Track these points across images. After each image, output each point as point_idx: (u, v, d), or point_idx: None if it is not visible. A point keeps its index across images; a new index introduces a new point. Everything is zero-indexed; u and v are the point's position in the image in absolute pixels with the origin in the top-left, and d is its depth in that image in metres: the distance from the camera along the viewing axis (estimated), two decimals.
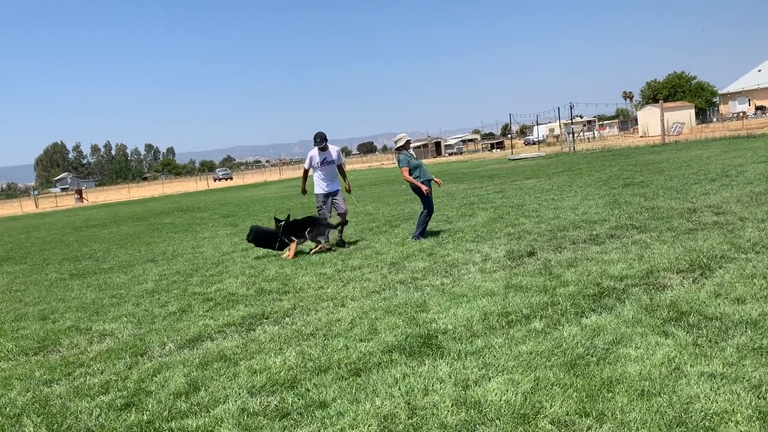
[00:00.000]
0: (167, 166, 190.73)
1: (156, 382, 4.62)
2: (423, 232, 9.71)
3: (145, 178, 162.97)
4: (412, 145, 10.18)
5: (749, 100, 76.85)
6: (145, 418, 3.96)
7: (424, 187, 9.51)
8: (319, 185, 9.98)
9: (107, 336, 6.12)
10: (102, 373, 4.98)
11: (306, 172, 10.33)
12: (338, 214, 10.02)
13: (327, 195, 9.98)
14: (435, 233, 9.91)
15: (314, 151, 9.95)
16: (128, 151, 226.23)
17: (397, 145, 9.68)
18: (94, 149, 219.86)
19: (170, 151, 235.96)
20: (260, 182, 59.97)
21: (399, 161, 9.66)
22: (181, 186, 76.32)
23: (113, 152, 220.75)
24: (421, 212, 9.73)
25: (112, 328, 6.38)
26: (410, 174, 9.55)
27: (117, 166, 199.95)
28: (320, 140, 9.84)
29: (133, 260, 11.52)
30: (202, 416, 3.88)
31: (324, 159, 9.89)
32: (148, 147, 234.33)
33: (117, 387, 4.60)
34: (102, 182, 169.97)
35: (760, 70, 79.80)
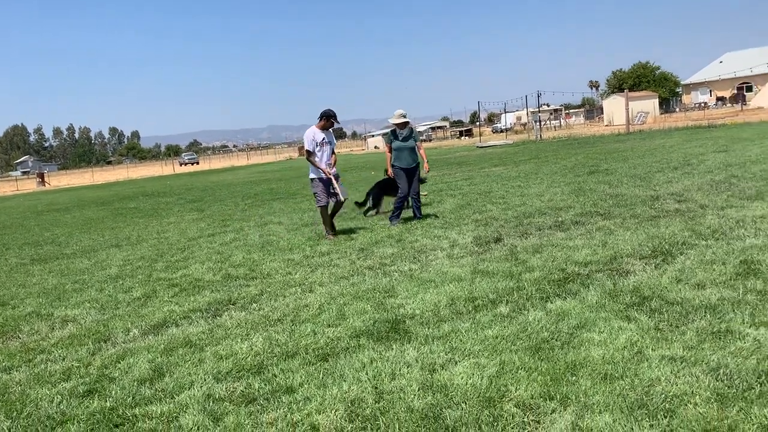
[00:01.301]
0: (132, 150, 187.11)
1: (119, 368, 4.55)
2: (398, 215, 9.72)
3: (109, 162, 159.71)
4: (412, 129, 9.99)
5: (711, 90, 78.41)
6: (108, 404, 3.90)
7: (389, 171, 9.76)
8: (317, 169, 8.96)
9: (69, 322, 6.00)
10: (64, 359, 4.89)
11: (311, 153, 8.96)
12: (338, 202, 9.14)
13: (328, 180, 9.03)
14: (404, 220, 9.92)
15: (314, 130, 8.95)
16: (92, 134, 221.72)
17: (390, 121, 9.76)
18: (57, 132, 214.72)
19: (135, 134, 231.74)
20: (227, 167, 59.30)
21: (386, 137, 9.83)
22: (147, 170, 75.08)
23: (76, 135, 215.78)
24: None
25: (74, 314, 6.26)
26: (391, 153, 9.67)
27: (80, 150, 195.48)
28: (335, 117, 8.96)
29: (96, 245, 11.30)
30: (167, 402, 3.84)
31: (323, 138, 8.97)
32: (113, 130, 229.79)
33: (79, 374, 4.53)
34: (65, 166, 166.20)
35: (721, 62, 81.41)
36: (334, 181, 8.98)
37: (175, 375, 4.28)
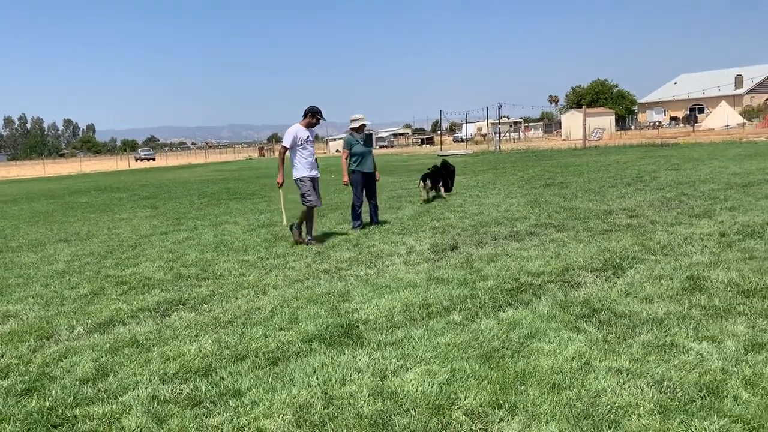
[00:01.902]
0: (87, 143, 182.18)
1: (62, 366, 4.40)
2: (359, 221, 9.63)
3: (62, 155, 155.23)
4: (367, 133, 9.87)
5: (665, 110, 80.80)
6: (47, 404, 3.77)
7: (344, 178, 9.64)
8: (303, 168, 8.46)
9: (11, 317, 5.79)
10: (2, 356, 4.71)
11: (284, 153, 8.62)
12: (311, 207, 8.54)
13: (314, 180, 8.59)
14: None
15: (298, 128, 8.45)
16: (45, 125, 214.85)
17: (350, 126, 9.60)
18: (8, 121, 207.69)
19: (90, 128, 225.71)
20: (185, 164, 58.29)
21: (345, 141, 9.63)
22: (101, 165, 73.18)
23: (29, 126, 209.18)
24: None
25: (16, 310, 6.05)
26: (348, 159, 9.54)
27: (32, 141, 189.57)
28: (321, 114, 8.50)
29: (44, 239, 10.96)
30: (110, 403, 3.73)
31: (308, 137, 8.50)
32: (67, 122, 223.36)
33: (18, 371, 4.37)
34: (15, 157, 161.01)
35: (676, 83, 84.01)
36: (315, 185, 8.57)
37: (119, 375, 4.17)
